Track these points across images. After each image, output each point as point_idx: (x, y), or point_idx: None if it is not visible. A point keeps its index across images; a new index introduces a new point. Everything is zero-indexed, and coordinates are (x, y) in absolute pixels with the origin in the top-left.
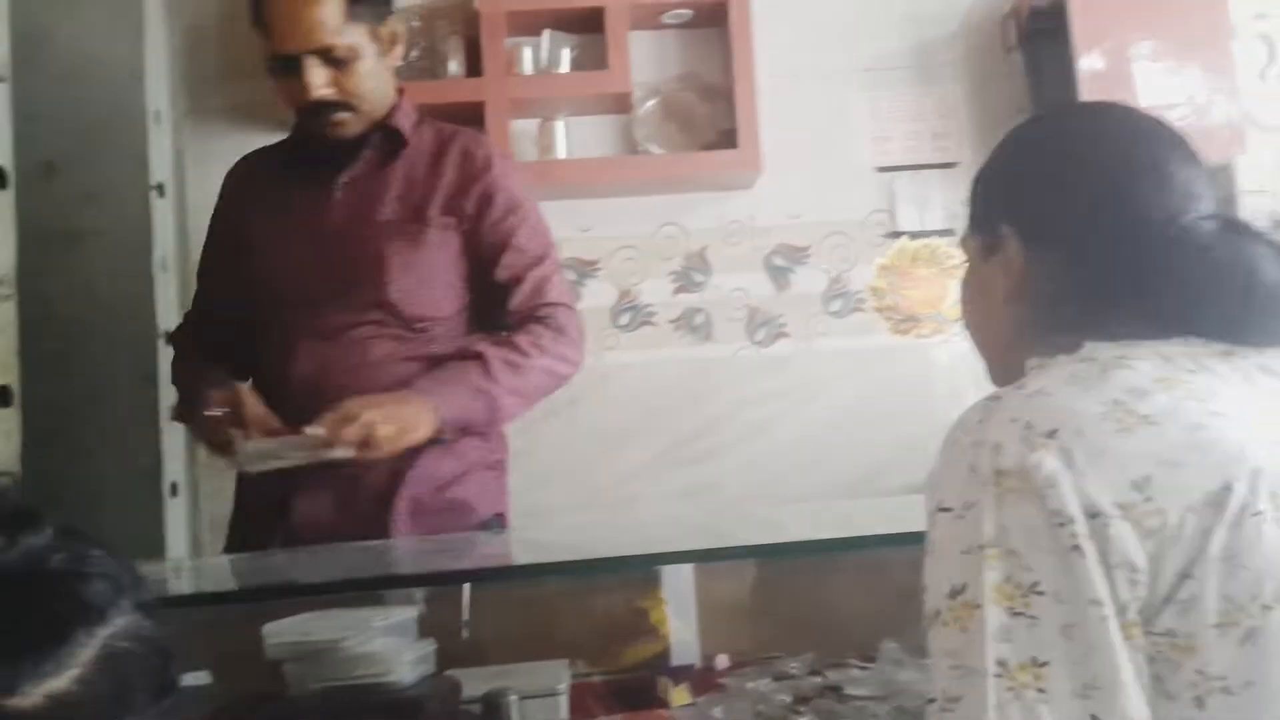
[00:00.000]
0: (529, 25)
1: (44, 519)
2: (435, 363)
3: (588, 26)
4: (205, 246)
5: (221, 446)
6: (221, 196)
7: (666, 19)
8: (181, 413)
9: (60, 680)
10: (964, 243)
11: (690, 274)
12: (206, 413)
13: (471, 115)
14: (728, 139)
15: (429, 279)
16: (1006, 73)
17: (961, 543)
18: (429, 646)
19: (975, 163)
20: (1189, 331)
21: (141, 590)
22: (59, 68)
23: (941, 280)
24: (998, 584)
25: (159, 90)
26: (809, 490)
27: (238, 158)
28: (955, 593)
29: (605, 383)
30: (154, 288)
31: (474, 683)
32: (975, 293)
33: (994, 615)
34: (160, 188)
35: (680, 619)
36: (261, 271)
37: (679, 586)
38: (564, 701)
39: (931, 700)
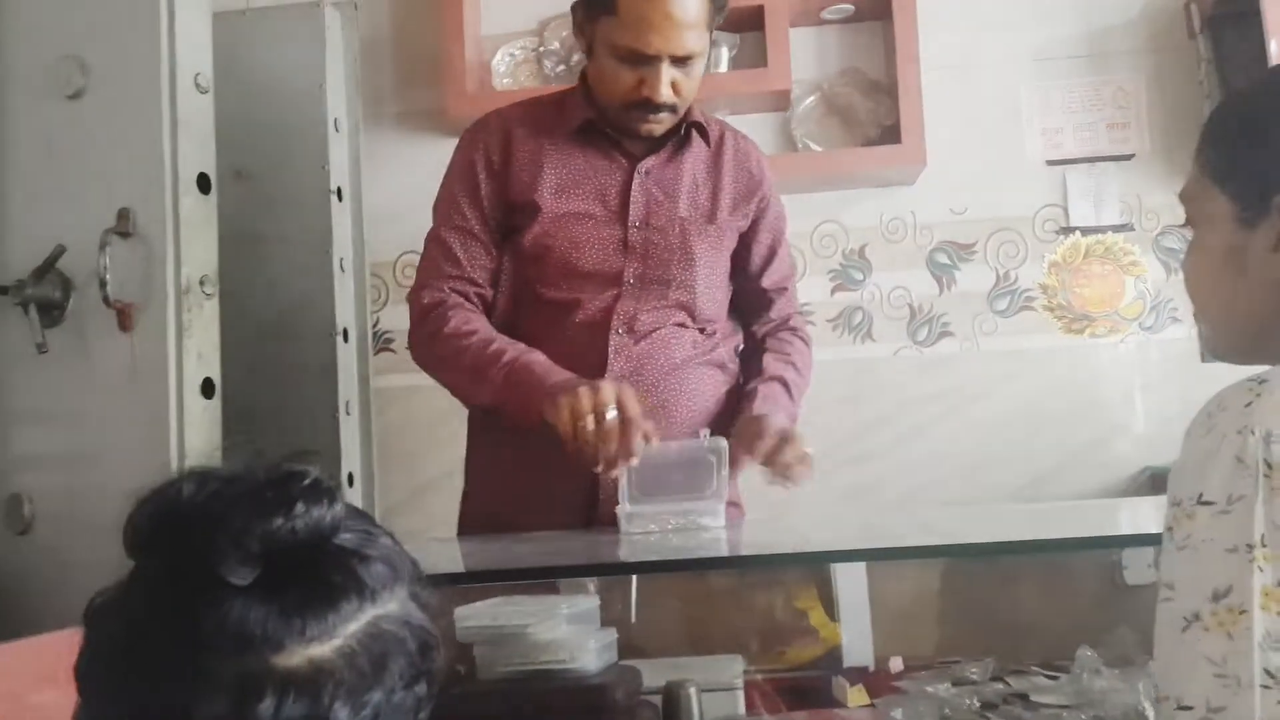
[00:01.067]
0: None
1: (337, 498)
2: (720, 367)
3: (747, 24)
4: (460, 203)
5: (592, 449)
6: (483, 148)
7: (827, 14)
8: (497, 393)
9: (324, 647)
10: (1196, 199)
11: (849, 272)
12: (609, 415)
13: None
14: (890, 134)
15: (722, 281)
16: (1189, 60)
17: (1227, 540)
18: (611, 635)
19: (1155, 154)
20: None
21: (420, 582)
22: (246, 80)
23: (1118, 277)
24: (1268, 588)
25: (338, 99)
26: (971, 496)
27: (410, 162)
28: (1219, 595)
29: None
30: (333, 287)
31: (651, 673)
32: (1218, 260)
33: (1262, 622)
34: (339, 192)
35: (853, 620)
36: (556, 242)
37: (851, 588)
38: (740, 695)
39: (1185, 708)
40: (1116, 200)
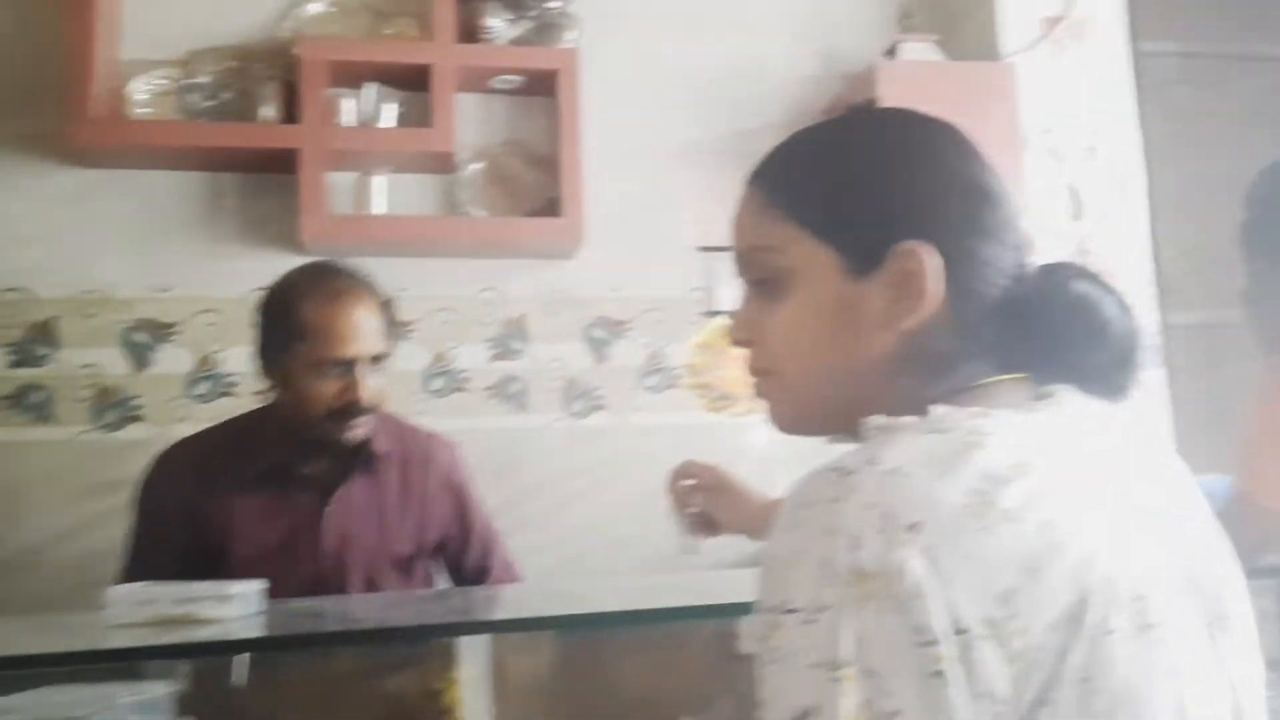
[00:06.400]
0: (352, 77)
1: None
2: None
3: (414, 84)
4: (156, 544)
5: None
6: (169, 494)
7: (496, 84)
8: None
9: None
10: (780, 251)
11: (508, 341)
12: None
13: (285, 162)
14: (552, 207)
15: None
16: None
17: (812, 655)
18: None
19: None
20: (1039, 373)
21: None
22: None
23: None
24: (855, 711)
25: None
26: (619, 566)
27: (19, 189)
28: (803, 716)
29: None
30: None
31: None
32: (826, 317)
33: None
34: None
35: (475, 697)
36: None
37: (475, 664)
38: None
39: None
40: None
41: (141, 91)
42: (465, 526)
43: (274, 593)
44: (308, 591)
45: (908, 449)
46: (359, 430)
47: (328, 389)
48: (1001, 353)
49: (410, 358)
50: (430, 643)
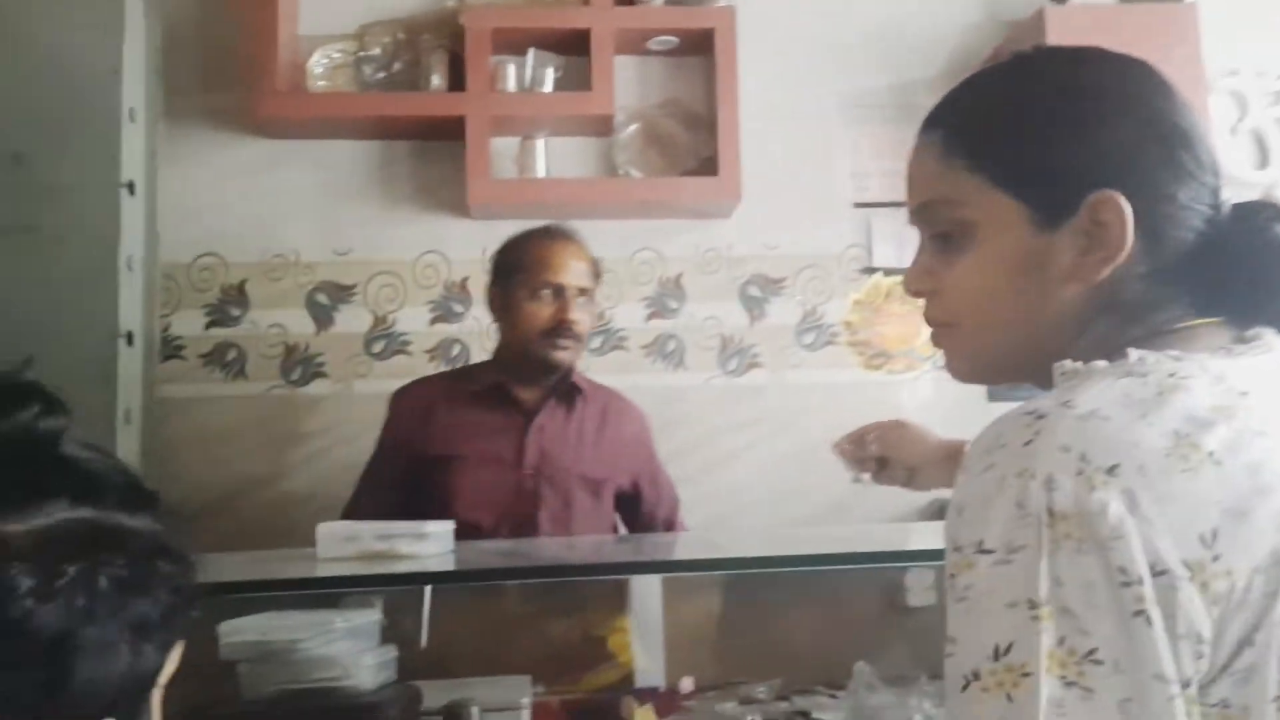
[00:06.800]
0: (514, 44)
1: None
2: None
3: (573, 48)
4: (388, 461)
5: None
6: (405, 418)
7: (652, 45)
8: None
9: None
10: (963, 204)
11: (664, 300)
12: None
13: (452, 130)
14: (708, 167)
15: (604, 530)
16: None
17: (1008, 594)
18: (391, 652)
19: None
20: (1236, 316)
21: (141, 495)
22: (34, 59)
23: (914, 317)
24: (1051, 649)
25: (135, 88)
26: (775, 522)
27: (214, 160)
28: (999, 653)
29: None
30: (118, 287)
31: (434, 693)
32: (1013, 268)
33: (1047, 685)
34: (130, 186)
35: (646, 641)
36: (457, 496)
37: (646, 609)
38: (526, 716)
39: None
40: (915, 245)
41: (320, 64)
42: (655, 485)
43: (485, 500)
44: (512, 500)
45: (1104, 392)
46: (567, 352)
47: (542, 311)
48: (1196, 296)
49: None
50: (600, 586)
